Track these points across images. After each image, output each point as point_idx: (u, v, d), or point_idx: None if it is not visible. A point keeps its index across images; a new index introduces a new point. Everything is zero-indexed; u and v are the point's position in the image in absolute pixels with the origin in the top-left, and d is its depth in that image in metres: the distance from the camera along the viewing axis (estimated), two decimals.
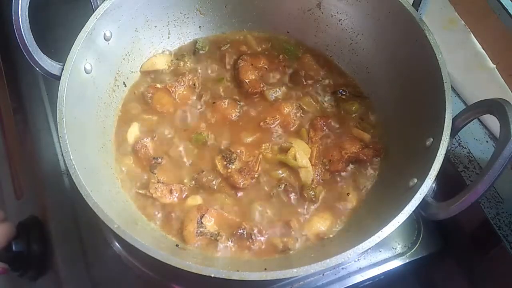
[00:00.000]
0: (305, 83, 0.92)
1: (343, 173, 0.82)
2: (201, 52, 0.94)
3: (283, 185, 0.80)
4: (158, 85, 0.88)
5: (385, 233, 0.61)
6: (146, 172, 0.80)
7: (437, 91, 0.71)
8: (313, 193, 0.79)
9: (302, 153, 0.81)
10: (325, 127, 0.86)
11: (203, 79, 0.91)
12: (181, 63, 0.92)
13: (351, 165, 0.83)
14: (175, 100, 0.87)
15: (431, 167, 0.65)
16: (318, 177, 0.81)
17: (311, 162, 0.82)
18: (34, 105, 0.96)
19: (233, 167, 0.80)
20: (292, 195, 0.79)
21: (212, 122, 0.86)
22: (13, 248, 0.79)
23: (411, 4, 0.78)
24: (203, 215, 0.75)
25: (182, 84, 0.88)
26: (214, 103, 0.88)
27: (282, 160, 0.82)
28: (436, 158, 0.65)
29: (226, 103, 0.87)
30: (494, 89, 0.87)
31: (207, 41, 0.96)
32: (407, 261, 0.83)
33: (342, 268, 0.81)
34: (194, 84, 0.89)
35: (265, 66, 0.92)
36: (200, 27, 0.95)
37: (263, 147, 0.83)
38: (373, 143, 0.84)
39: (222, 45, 0.96)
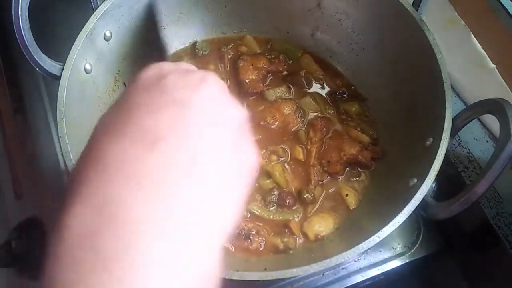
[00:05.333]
0: (305, 83, 0.92)
1: (342, 174, 0.82)
2: (200, 53, 0.94)
3: (276, 194, 0.79)
4: None
5: (385, 233, 0.61)
6: None
7: (437, 91, 0.71)
8: (311, 195, 0.79)
9: (281, 175, 0.81)
10: (324, 128, 0.86)
11: None
12: None
13: (350, 167, 0.83)
14: None
15: (431, 167, 0.65)
16: (316, 178, 0.81)
17: (310, 162, 0.82)
18: (34, 105, 0.96)
19: None
20: (289, 200, 0.79)
21: None
22: (13, 248, 0.79)
23: (411, 4, 0.78)
24: None
25: None
26: None
27: (268, 171, 0.81)
28: (436, 158, 0.65)
29: None
30: (494, 89, 0.87)
31: (207, 41, 0.96)
32: (407, 261, 0.82)
33: (342, 268, 0.81)
34: None
35: (265, 66, 0.92)
36: (199, 27, 0.95)
37: (262, 152, 0.83)
38: (372, 146, 0.84)
39: (222, 45, 0.96)
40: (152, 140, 0.28)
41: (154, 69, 0.34)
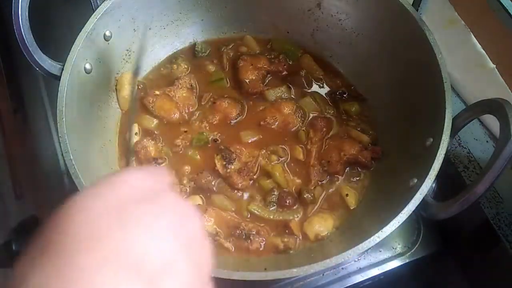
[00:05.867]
0: (305, 83, 0.92)
1: (342, 174, 0.82)
2: (200, 54, 0.94)
3: (276, 194, 0.79)
4: (157, 92, 0.87)
5: (385, 233, 0.61)
6: None
7: (437, 91, 0.71)
8: (311, 195, 0.79)
9: (281, 175, 0.81)
10: (324, 128, 0.86)
11: (203, 80, 0.91)
12: (174, 66, 0.92)
13: (350, 167, 0.83)
14: (177, 104, 0.87)
15: (431, 167, 0.65)
16: (316, 178, 0.81)
17: (310, 162, 0.82)
18: (34, 105, 0.96)
19: (232, 167, 0.80)
20: (289, 200, 0.79)
21: (213, 122, 0.86)
22: (13, 248, 0.79)
23: (411, 4, 0.78)
24: (202, 215, 0.75)
25: (180, 87, 0.88)
26: (214, 103, 0.88)
27: (268, 171, 0.82)
28: (436, 158, 0.65)
29: (226, 103, 0.87)
30: (494, 89, 0.87)
31: (207, 42, 0.96)
32: (407, 261, 0.83)
33: (342, 268, 0.81)
34: (191, 86, 0.89)
35: (265, 66, 0.92)
36: (199, 27, 0.95)
37: (262, 153, 0.83)
38: (372, 146, 0.84)
39: (222, 45, 0.96)
40: (149, 277, 0.29)
41: (141, 178, 0.35)
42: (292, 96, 0.91)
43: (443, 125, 0.68)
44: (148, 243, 0.30)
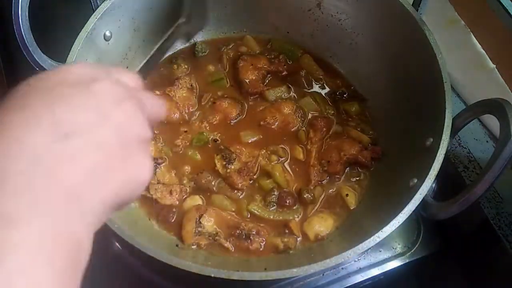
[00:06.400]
0: (305, 83, 0.92)
1: (342, 174, 0.82)
2: (200, 54, 0.94)
3: (276, 194, 0.79)
4: (157, 92, 0.87)
5: (385, 233, 0.61)
6: None
7: (437, 91, 0.71)
8: (311, 195, 0.79)
9: (281, 175, 0.81)
10: (324, 128, 0.86)
11: (203, 80, 0.91)
12: (175, 66, 0.92)
13: (350, 167, 0.83)
14: (177, 104, 0.87)
15: (431, 167, 0.65)
16: (316, 178, 0.81)
17: (310, 163, 0.82)
18: None
19: (232, 167, 0.80)
20: (289, 200, 0.79)
21: (213, 122, 0.86)
22: None
23: (411, 4, 0.78)
24: (202, 215, 0.75)
25: (180, 87, 0.88)
26: (214, 103, 0.88)
27: (268, 171, 0.81)
28: (436, 158, 0.65)
29: (226, 103, 0.87)
30: (494, 89, 0.87)
31: (207, 42, 0.96)
32: (407, 261, 0.82)
33: (342, 268, 0.81)
34: (191, 86, 0.89)
35: (265, 66, 0.92)
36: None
37: (262, 153, 0.83)
38: (372, 146, 0.84)
39: (222, 45, 0.96)
40: (64, 132, 0.32)
41: (87, 69, 0.37)
42: (292, 96, 0.91)
43: (443, 125, 0.68)
44: (67, 112, 0.33)
